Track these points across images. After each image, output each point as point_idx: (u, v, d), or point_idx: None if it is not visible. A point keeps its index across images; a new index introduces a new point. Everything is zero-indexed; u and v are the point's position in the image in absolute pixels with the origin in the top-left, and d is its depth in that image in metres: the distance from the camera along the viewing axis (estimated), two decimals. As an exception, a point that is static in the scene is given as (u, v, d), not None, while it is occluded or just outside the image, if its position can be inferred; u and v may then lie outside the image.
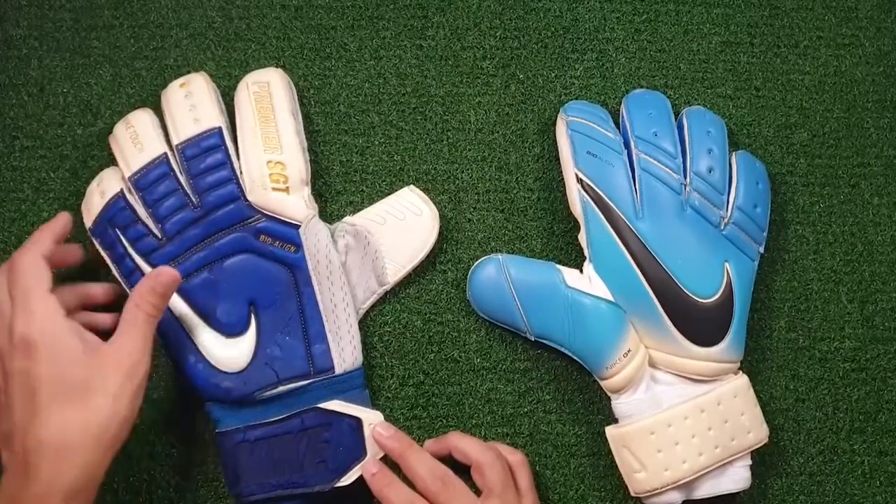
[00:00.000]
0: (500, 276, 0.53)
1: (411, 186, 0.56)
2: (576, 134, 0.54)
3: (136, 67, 0.57)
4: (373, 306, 0.55)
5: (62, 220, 0.49)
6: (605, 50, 0.60)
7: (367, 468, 0.51)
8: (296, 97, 0.56)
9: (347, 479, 0.51)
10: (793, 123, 0.60)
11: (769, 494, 0.56)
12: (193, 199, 0.51)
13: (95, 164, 0.56)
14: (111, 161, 0.55)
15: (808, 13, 0.62)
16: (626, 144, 0.54)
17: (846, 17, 0.62)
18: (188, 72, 0.56)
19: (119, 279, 0.52)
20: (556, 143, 0.57)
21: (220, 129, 0.52)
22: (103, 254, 0.52)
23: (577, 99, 0.59)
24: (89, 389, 0.43)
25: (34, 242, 0.47)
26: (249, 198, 0.51)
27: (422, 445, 0.53)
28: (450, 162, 0.58)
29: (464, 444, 0.52)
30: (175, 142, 0.52)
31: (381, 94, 0.58)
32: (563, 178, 0.56)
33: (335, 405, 0.51)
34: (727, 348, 0.53)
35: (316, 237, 0.52)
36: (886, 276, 0.59)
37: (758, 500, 0.56)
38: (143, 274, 0.50)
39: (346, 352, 0.52)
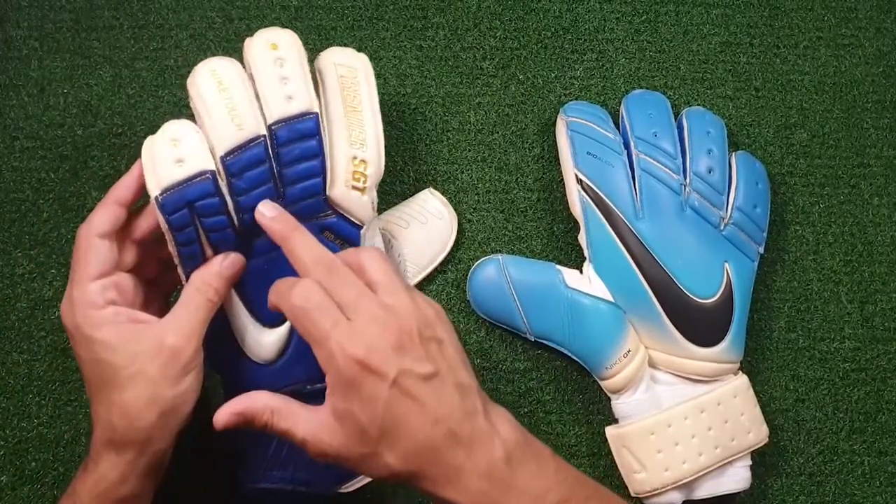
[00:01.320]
0: (500, 276, 0.53)
1: (431, 189, 0.56)
2: (576, 134, 0.54)
3: (136, 68, 0.57)
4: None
5: (130, 181, 0.45)
6: (604, 50, 0.60)
7: (261, 210, 0.45)
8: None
9: (351, 486, 0.51)
10: (793, 124, 0.60)
11: (769, 494, 0.56)
12: (279, 189, 0.46)
13: (95, 164, 0.56)
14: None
15: (808, 13, 0.62)
16: (626, 145, 0.54)
17: (846, 17, 0.62)
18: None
19: (174, 257, 0.46)
20: (555, 144, 0.57)
21: (317, 114, 0.46)
22: (167, 231, 0.45)
23: (577, 99, 0.59)
24: (126, 376, 0.42)
25: (90, 219, 0.44)
26: (329, 192, 0.47)
27: None
28: (450, 163, 0.58)
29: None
30: (267, 120, 0.46)
31: (381, 94, 0.58)
32: (562, 179, 0.56)
33: None
34: (727, 349, 0.53)
35: (373, 241, 0.50)
36: (886, 276, 0.59)
37: (758, 500, 0.56)
38: (204, 260, 0.46)
39: None
